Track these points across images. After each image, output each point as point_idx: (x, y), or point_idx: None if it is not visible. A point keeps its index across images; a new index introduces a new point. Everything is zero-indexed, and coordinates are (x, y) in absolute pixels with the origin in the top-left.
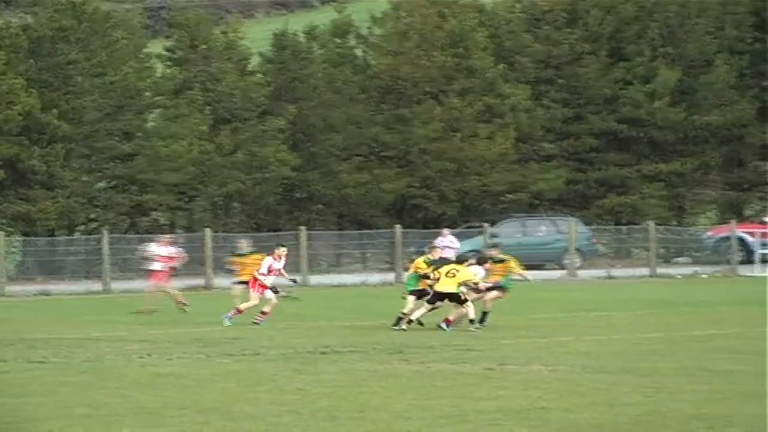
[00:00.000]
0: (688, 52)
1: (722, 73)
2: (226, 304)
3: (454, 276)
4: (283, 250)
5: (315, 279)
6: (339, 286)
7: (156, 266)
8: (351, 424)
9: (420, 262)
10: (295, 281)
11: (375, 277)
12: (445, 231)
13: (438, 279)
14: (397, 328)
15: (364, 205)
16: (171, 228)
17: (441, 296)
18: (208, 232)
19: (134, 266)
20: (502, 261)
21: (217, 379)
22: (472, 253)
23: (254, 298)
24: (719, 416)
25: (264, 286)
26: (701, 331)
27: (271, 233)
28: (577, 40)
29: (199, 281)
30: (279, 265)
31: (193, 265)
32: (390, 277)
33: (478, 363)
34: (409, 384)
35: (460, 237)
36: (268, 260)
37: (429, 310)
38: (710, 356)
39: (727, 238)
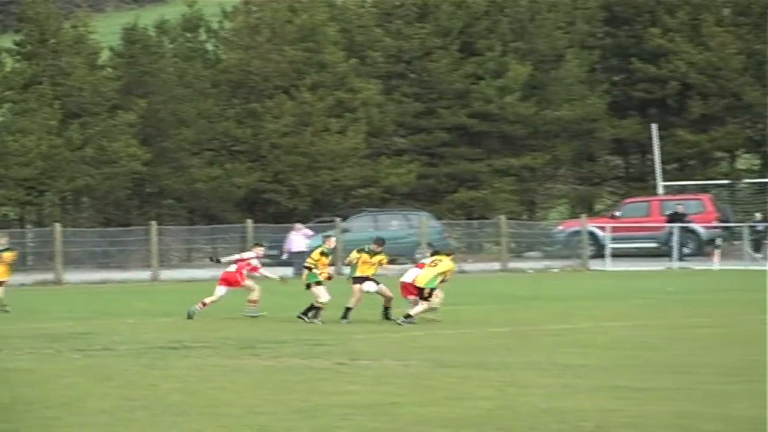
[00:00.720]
0: (539, 47)
1: (573, 68)
2: (76, 299)
3: (435, 266)
4: (260, 250)
5: (166, 274)
6: (190, 280)
7: None
8: (202, 420)
9: (316, 254)
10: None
11: None
12: (298, 225)
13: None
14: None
15: (215, 200)
16: (21, 223)
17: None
18: (57, 227)
19: None
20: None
21: (67, 374)
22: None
23: (219, 291)
24: (570, 410)
25: (242, 276)
26: (552, 325)
27: (122, 228)
28: (428, 34)
29: (49, 276)
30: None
31: (42, 260)
32: None
33: (330, 358)
34: (261, 379)
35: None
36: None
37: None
38: (561, 350)
39: (578, 233)
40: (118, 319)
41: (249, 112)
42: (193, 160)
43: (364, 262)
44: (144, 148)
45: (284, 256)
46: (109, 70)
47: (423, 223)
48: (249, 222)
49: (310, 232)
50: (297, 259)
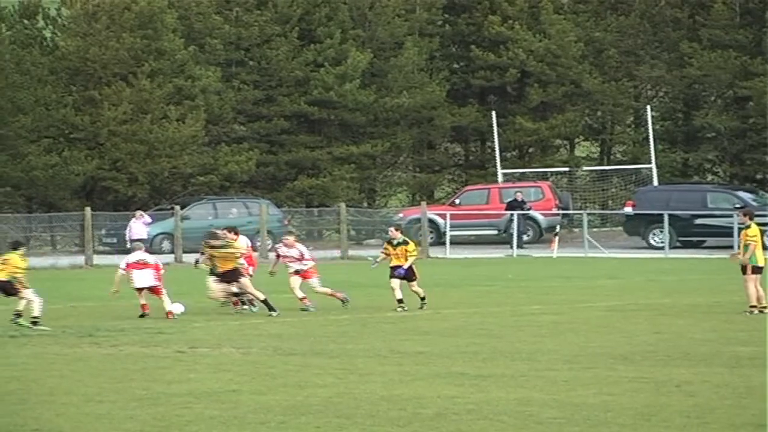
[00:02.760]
0: (379, 35)
1: (412, 55)
2: None
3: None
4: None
5: None
6: (28, 269)
7: None
8: (41, 408)
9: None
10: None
11: (65, 260)
12: (138, 213)
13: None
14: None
15: (54, 188)
16: None
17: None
18: None
19: None
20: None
21: None
22: (162, 235)
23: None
24: (410, 397)
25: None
26: (391, 312)
27: None
28: (267, 22)
29: None
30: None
31: None
32: (80, 259)
33: (170, 346)
34: (100, 367)
35: (153, 219)
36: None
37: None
38: (400, 338)
39: (418, 220)
40: None
41: (87, 99)
42: (30, 147)
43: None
44: None
45: (128, 245)
46: None
47: (263, 211)
48: (88, 210)
49: (149, 219)
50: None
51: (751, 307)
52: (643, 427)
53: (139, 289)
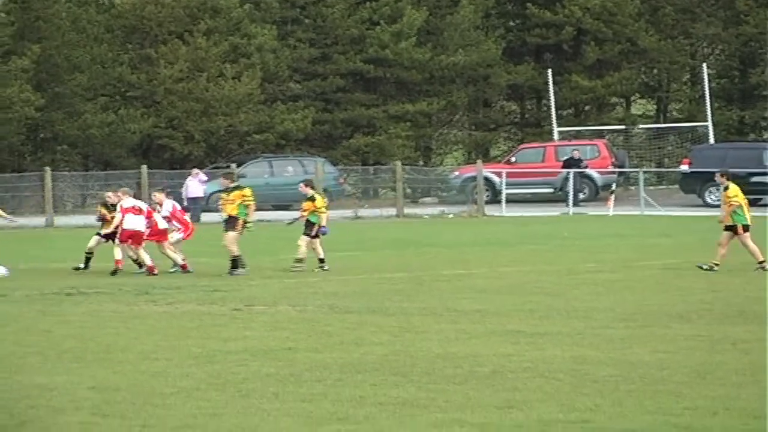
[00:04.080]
0: None
1: (468, 13)
2: None
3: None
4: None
5: (60, 220)
6: (85, 227)
7: None
8: (97, 365)
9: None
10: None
11: None
12: (194, 171)
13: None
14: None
15: (110, 146)
16: None
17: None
18: None
19: None
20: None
21: None
22: (218, 194)
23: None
24: (466, 355)
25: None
26: (447, 270)
27: (15, 174)
28: None
29: None
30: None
31: None
32: None
33: (226, 304)
34: (156, 325)
35: (209, 177)
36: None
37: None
38: (456, 296)
39: (474, 178)
40: (11, 265)
41: (143, 57)
42: (87, 105)
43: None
44: (37, 93)
45: (184, 203)
46: (2, 15)
47: (319, 169)
48: (144, 168)
49: (204, 177)
50: (194, 205)
51: (760, 263)
52: (699, 385)
53: (123, 240)
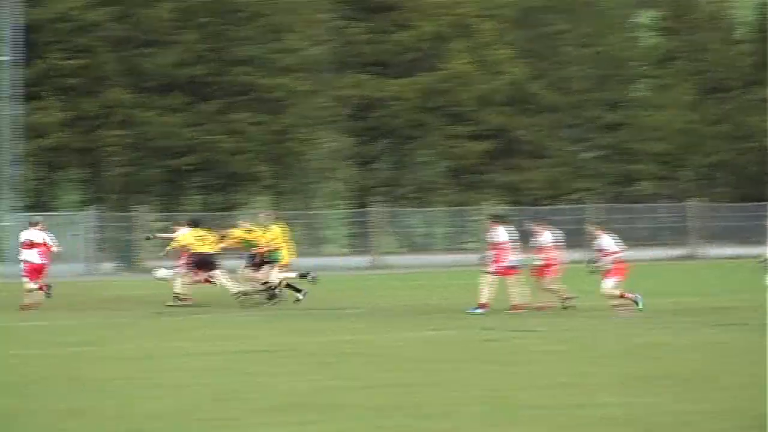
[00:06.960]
0: None
1: None
2: (708, 274)
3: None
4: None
5: None
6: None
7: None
8: None
9: None
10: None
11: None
12: None
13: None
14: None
15: None
16: (654, 197)
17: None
18: (693, 202)
19: None
20: None
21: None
22: None
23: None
24: None
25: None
26: None
27: (757, 203)
28: None
29: (684, 251)
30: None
31: (677, 235)
32: None
33: None
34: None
35: None
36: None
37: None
38: None
39: None
40: (752, 294)
41: None
42: None
43: None
44: None
45: None
46: (745, 45)
47: None
48: None
49: None
50: None
51: None
52: None
53: None
